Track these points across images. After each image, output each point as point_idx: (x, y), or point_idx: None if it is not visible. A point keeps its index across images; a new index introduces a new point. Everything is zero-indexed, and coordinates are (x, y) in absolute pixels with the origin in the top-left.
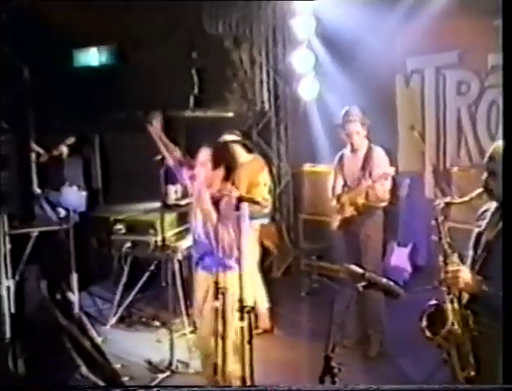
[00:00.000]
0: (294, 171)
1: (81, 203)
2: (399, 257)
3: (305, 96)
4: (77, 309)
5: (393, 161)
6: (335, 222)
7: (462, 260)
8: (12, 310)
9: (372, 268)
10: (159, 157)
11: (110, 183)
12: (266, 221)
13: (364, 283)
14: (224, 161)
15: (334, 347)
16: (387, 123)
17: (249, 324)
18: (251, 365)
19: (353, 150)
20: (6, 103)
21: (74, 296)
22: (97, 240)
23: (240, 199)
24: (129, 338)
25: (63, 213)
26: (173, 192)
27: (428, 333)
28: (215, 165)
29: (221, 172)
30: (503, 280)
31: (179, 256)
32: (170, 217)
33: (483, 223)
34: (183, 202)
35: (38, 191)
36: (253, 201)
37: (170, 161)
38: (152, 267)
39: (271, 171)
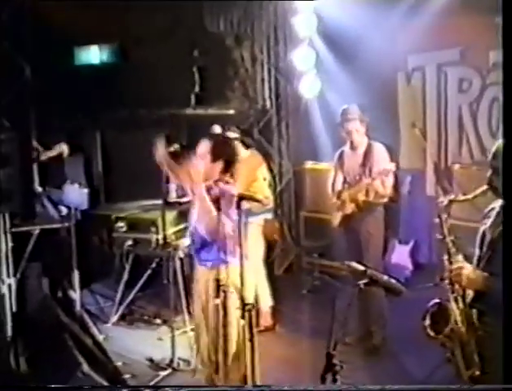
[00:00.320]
0: (296, 169)
1: (82, 200)
2: (401, 255)
3: (306, 94)
4: (78, 307)
5: (394, 158)
6: (336, 219)
7: (466, 258)
8: (14, 308)
9: (374, 265)
10: None
11: (111, 181)
12: (269, 215)
13: (365, 281)
14: (224, 154)
15: (336, 344)
16: (389, 120)
17: (251, 322)
18: (252, 362)
19: (353, 147)
20: (8, 101)
21: (76, 294)
22: (98, 238)
23: (241, 197)
24: (130, 336)
25: (64, 210)
26: (174, 190)
27: (431, 332)
28: (214, 158)
29: (220, 165)
30: (503, 280)
31: (181, 253)
32: (172, 214)
33: (489, 221)
34: (184, 200)
35: (40, 189)
36: (254, 199)
37: (188, 186)
38: (154, 265)
39: (269, 166)
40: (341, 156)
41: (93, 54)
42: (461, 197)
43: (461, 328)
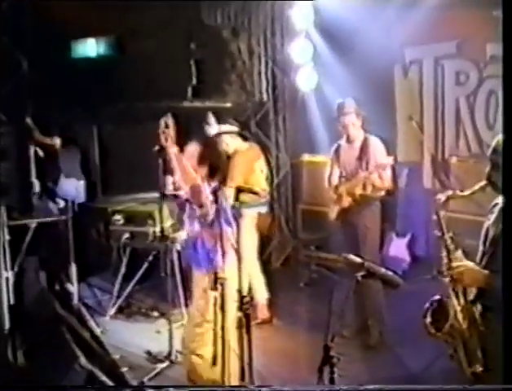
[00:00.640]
0: (293, 162)
1: (78, 194)
2: (398, 248)
3: (303, 87)
4: (76, 300)
5: (391, 151)
6: (333, 213)
7: (465, 253)
8: (11, 302)
9: (371, 258)
10: (157, 148)
11: (108, 174)
12: (263, 209)
13: (362, 273)
14: (209, 159)
15: (333, 337)
16: (386, 113)
17: (247, 314)
18: (250, 355)
19: (349, 141)
20: (5, 94)
21: (73, 287)
22: (96, 231)
23: (239, 189)
24: (128, 329)
25: (62, 204)
26: (171, 183)
27: (432, 329)
28: (200, 161)
29: (204, 170)
30: (503, 278)
31: (178, 246)
32: (169, 207)
33: (492, 217)
34: (181, 192)
35: (37, 182)
36: (251, 191)
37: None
38: (151, 258)
39: (267, 159)
40: (337, 150)
41: (90, 48)
42: (459, 193)
43: (463, 325)
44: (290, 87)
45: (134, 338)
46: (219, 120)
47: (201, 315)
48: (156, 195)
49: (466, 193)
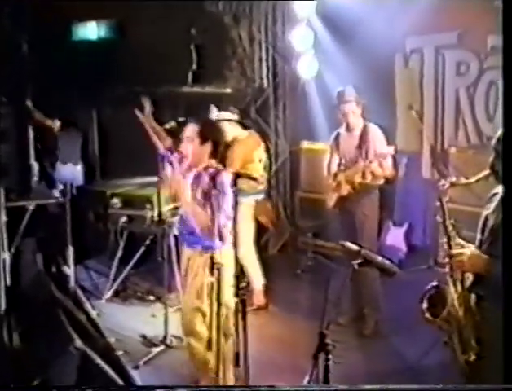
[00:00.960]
0: (292, 149)
1: (76, 178)
2: (395, 237)
3: (304, 74)
4: (72, 283)
5: (391, 140)
6: (331, 200)
7: (466, 240)
8: (8, 283)
9: (369, 246)
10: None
11: (107, 157)
12: (261, 197)
13: (359, 261)
14: (212, 136)
15: (329, 324)
16: (386, 102)
17: (243, 300)
18: (245, 341)
19: (349, 129)
20: (5, 76)
21: (70, 270)
22: (93, 214)
23: (237, 175)
24: (124, 312)
25: (60, 186)
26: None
27: (429, 315)
28: (203, 140)
29: (208, 147)
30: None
31: (175, 231)
32: (167, 191)
33: (492, 206)
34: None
35: (36, 164)
36: (250, 177)
37: (161, 149)
38: (148, 242)
39: (267, 148)
40: (337, 138)
41: (91, 31)
42: (463, 181)
43: (459, 312)
44: (291, 74)
45: (130, 321)
46: (219, 107)
47: (195, 299)
48: (154, 179)
49: (470, 181)
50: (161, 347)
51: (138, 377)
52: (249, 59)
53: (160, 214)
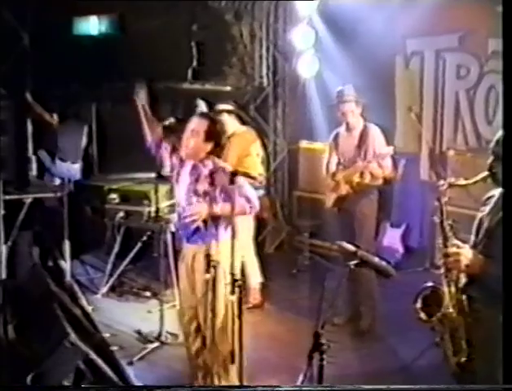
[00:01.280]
0: (290, 147)
1: (73, 176)
2: (392, 238)
3: (304, 73)
4: (68, 277)
5: (389, 141)
6: (330, 200)
7: (462, 242)
8: (3, 276)
9: (366, 247)
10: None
11: (106, 152)
12: (259, 193)
13: (356, 261)
14: (216, 136)
15: (324, 324)
16: (385, 103)
17: (239, 298)
18: (240, 339)
19: (348, 129)
20: (5, 68)
21: (66, 264)
22: (91, 209)
23: (234, 173)
24: (119, 308)
25: (58, 180)
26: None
27: (423, 315)
28: (207, 138)
29: (210, 145)
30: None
31: (172, 227)
32: (165, 188)
33: (487, 209)
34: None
35: (34, 158)
36: (248, 175)
37: (149, 137)
38: (145, 238)
39: (264, 143)
40: (336, 137)
41: (92, 25)
42: (462, 181)
43: (453, 313)
44: (291, 73)
45: (125, 317)
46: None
47: (189, 297)
48: (152, 175)
49: (468, 182)
50: (156, 343)
51: (132, 373)
52: (250, 56)
53: (157, 210)
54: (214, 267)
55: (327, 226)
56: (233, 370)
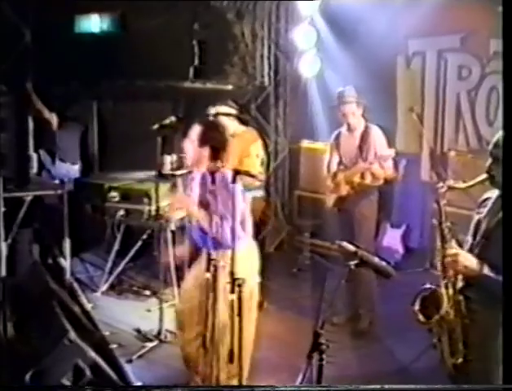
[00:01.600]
0: (291, 147)
1: (74, 176)
2: (392, 238)
3: (305, 73)
4: (68, 275)
5: (390, 141)
6: (330, 200)
7: (460, 245)
8: (3, 273)
9: (365, 248)
10: (156, 126)
11: (106, 151)
12: (259, 193)
13: (355, 261)
14: (211, 140)
15: (323, 324)
16: (386, 103)
17: (240, 297)
18: (240, 338)
19: (350, 129)
20: (7, 66)
21: (66, 262)
22: (91, 207)
23: (236, 172)
24: (119, 306)
25: (58, 178)
26: (169, 162)
27: (421, 317)
28: (201, 143)
29: (207, 151)
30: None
31: (172, 226)
32: (165, 186)
33: (485, 210)
34: (178, 172)
35: (35, 155)
36: (249, 174)
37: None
38: (145, 236)
39: (265, 144)
40: (337, 137)
41: (93, 24)
42: (461, 185)
43: (450, 315)
44: (292, 72)
45: (125, 315)
46: (219, 101)
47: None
48: (153, 173)
49: (467, 184)
50: (155, 342)
51: (131, 371)
52: (251, 56)
53: (157, 209)
54: (215, 266)
55: (327, 225)
56: (233, 370)
